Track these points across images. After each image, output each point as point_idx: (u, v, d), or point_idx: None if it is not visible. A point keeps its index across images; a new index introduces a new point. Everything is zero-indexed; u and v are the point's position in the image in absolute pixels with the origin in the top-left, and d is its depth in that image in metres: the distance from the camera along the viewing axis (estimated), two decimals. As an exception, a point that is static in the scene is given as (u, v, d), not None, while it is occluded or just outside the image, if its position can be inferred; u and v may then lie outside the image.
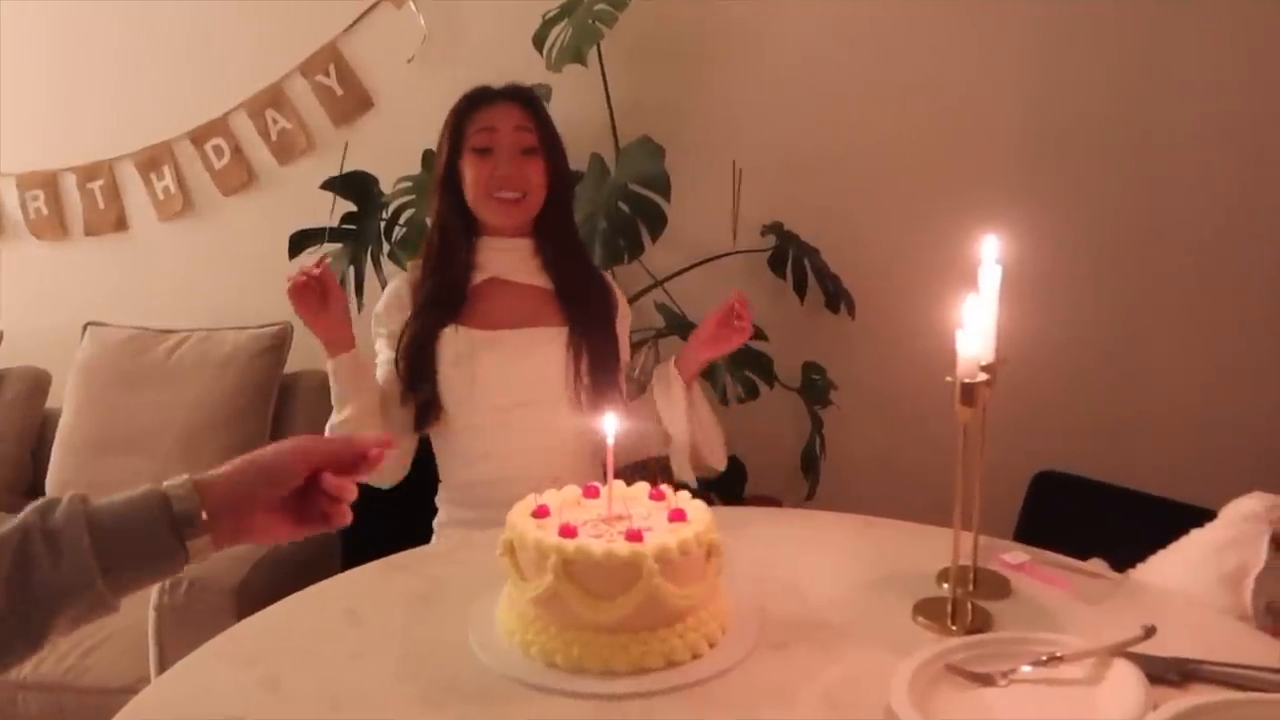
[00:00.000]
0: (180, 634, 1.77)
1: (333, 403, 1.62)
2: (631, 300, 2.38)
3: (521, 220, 1.67)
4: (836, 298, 2.40)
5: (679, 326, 2.34)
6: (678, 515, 1.12)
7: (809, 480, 2.43)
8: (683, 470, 1.67)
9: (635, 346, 2.35)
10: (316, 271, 1.54)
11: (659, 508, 1.16)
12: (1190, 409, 2.44)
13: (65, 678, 1.84)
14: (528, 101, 1.70)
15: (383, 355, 1.70)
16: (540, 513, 1.13)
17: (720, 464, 1.73)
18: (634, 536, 1.06)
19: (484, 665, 1.05)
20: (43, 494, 2.40)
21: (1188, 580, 1.24)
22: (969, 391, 1.10)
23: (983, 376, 1.10)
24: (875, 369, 2.54)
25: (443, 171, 1.68)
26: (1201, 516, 1.37)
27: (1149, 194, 2.41)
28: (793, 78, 2.50)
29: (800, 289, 2.39)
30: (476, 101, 1.68)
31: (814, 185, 2.54)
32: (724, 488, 2.29)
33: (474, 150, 1.64)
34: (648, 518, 1.14)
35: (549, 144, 1.67)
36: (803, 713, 0.97)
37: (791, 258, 2.39)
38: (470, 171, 1.65)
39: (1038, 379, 2.37)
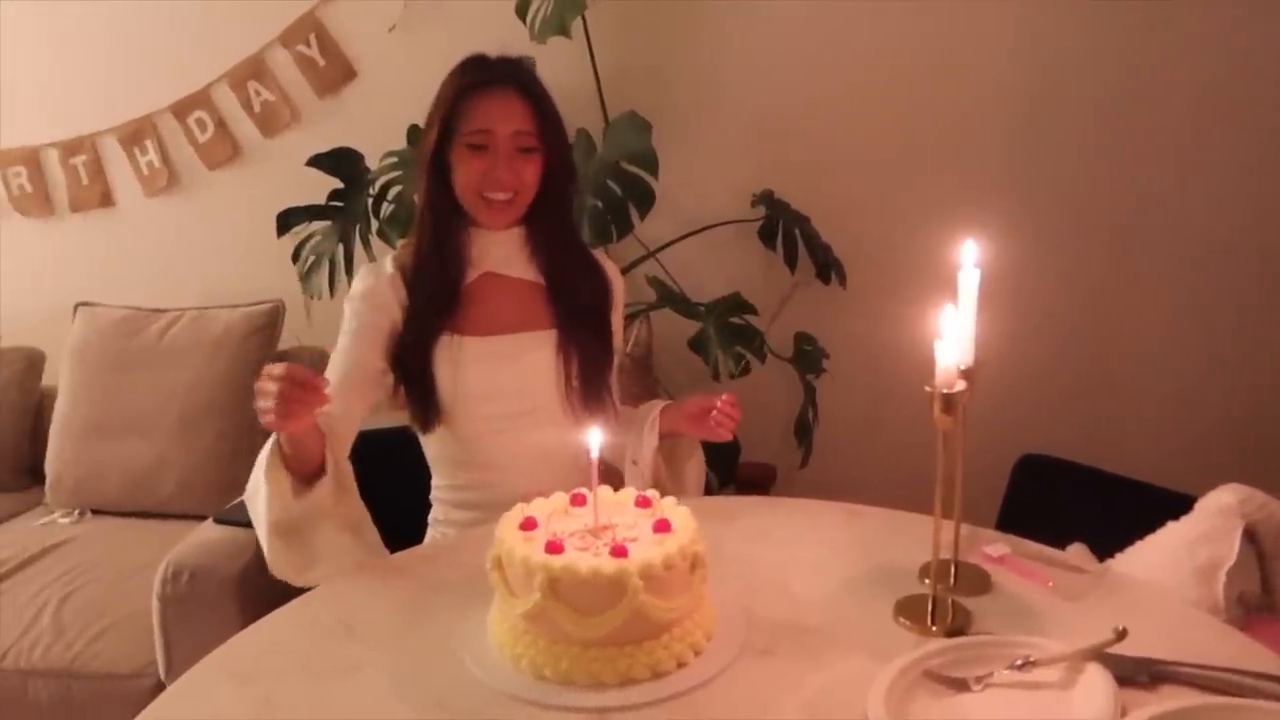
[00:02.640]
0: (184, 621, 1.82)
1: (264, 507, 1.36)
2: (624, 272, 2.38)
3: (510, 220, 1.60)
4: (827, 268, 2.40)
5: (671, 299, 2.34)
6: (662, 526, 1.14)
7: (802, 448, 2.45)
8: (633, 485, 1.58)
9: (628, 320, 2.36)
10: (319, 387, 1.27)
11: (645, 515, 1.18)
12: (1174, 397, 2.49)
13: (73, 664, 1.88)
14: (530, 92, 1.56)
15: (352, 346, 1.58)
16: (528, 525, 1.15)
17: (695, 494, 1.69)
18: (619, 551, 1.08)
19: (475, 679, 1.08)
20: (42, 475, 2.44)
21: (1163, 572, 1.26)
22: (949, 401, 1.11)
23: (961, 385, 1.11)
24: (866, 336, 2.55)
25: (430, 157, 1.57)
26: (1184, 502, 1.40)
27: (1140, 181, 2.42)
28: (782, 41, 2.47)
29: (791, 260, 2.39)
30: (474, 86, 1.54)
31: (804, 151, 2.52)
32: (718, 463, 2.32)
33: (468, 146, 1.54)
34: (633, 527, 1.15)
35: (549, 140, 1.57)
36: (785, 723, 1.01)
37: (782, 229, 2.38)
38: (462, 167, 1.55)
39: (1026, 364, 2.40)
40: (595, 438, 1.16)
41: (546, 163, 1.59)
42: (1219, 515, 1.25)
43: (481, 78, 1.56)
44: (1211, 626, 1.17)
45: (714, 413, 1.52)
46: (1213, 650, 1.08)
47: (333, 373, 1.57)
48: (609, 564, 1.06)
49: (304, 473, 1.38)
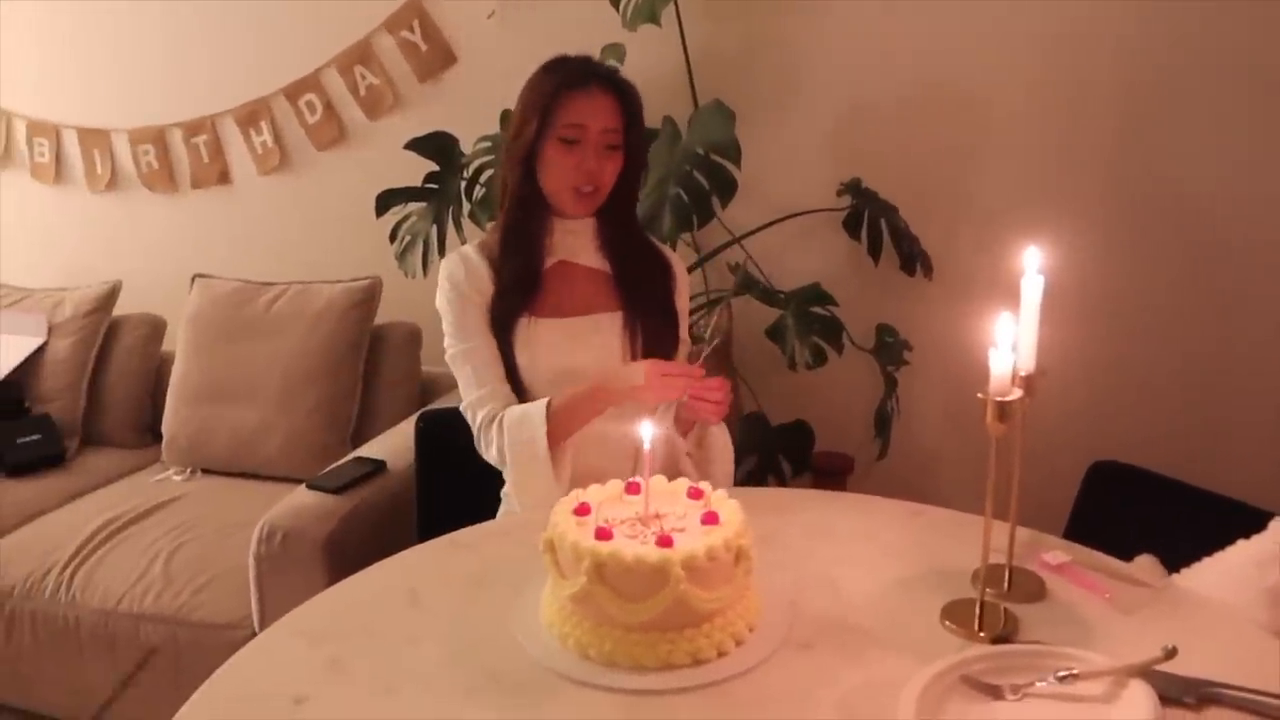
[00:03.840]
0: (276, 579, 1.94)
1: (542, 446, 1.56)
2: (709, 257, 2.40)
3: (590, 210, 1.69)
4: (912, 259, 2.37)
5: (751, 286, 2.35)
6: (710, 518, 1.17)
7: (880, 440, 2.44)
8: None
9: (710, 306, 2.38)
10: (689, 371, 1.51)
11: (695, 507, 1.22)
12: (1258, 407, 2.37)
13: (179, 612, 2.03)
14: (622, 94, 1.66)
15: (476, 344, 1.67)
16: (581, 510, 1.20)
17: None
18: (664, 541, 1.11)
19: (525, 654, 1.14)
20: (160, 435, 2.62)
21: (1230, 591, 1.23)
22: (1002, 409, 1.10)
23: (1016, 393, 1.10)
24: (951, 329, 2.50)
25: (526, 151, 1.65)
26: (1260, 519, 1.35)
27: (1230, 185, 2.30)
28: (877, 26, 2.43)
29: (875, 251, 2.36)
30: (569, 84, 1.63)
31: (895, 140, 2.48)
32: (792, 452, 2.33)
33: (561, 140, 1.63)
34: (683, 518, 1.19)
35: (631, 139, 1.66)
36: (816, 718, 1.03)
37: (867, 219, 2.36)
38: (554, 159, 1.64)
39: (1103, 367, 2.33)
40: (647, 429, 1.19)
41: (624, 160, 1.67)
42: (1292, 535, 1.21)
43: (577, 77, 1.65)
44: (1270, 650, 1.14)
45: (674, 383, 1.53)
46: (1269, 675, 1.06)
47: (485, 370, 1.66)
48: (653, 553, 1.09)
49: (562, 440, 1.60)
